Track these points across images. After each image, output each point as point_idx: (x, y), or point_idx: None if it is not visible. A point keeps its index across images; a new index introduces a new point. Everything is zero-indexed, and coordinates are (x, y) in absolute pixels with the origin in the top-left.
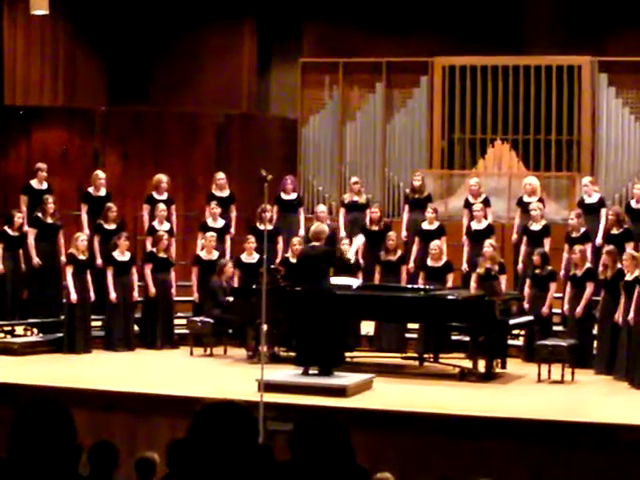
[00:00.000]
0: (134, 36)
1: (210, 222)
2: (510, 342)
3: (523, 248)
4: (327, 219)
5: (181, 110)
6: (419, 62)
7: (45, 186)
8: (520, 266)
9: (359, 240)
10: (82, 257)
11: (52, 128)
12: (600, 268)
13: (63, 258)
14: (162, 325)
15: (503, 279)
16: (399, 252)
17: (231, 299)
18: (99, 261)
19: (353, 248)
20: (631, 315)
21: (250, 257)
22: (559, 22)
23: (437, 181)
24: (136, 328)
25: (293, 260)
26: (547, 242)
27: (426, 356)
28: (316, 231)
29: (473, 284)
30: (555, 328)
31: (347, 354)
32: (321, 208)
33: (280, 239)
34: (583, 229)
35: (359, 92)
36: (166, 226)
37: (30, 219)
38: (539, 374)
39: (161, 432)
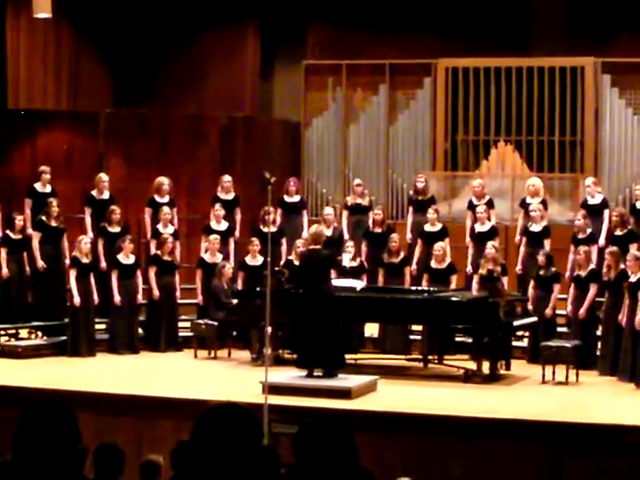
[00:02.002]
0: (138, 39)
1: (213, 225)
2: (514, 343)
3: (522, 249)
4: (334, 221)
5: (185, 113)
6: (422, 64)
7: (49, 189)
8: (519, 267)
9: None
10: (85, 260)
11: (56, 131)
12: (604, 269)
13: (67, 261)
14: (166, 328)
15: (505, 280)
16: (402, 254)
17: (235, 301)
18: (103, 264)
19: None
20: (638, 318)
21: (254, 259)
22: (562, 23)
23: (440, 183)
24: (140, 331)
25: (296, 262)
26: (547, 243)
27: (430, 358)
28: (314, 234)
29: (475, 285)
30: (559, 329)
31: (352, 356)
32: (328, 210)
33: (284, 241)
34: (589, 230)
35: (362, 94)
36: (170, 229)
37: (34, 222)
38: (543, 375)
39: (166, 435)
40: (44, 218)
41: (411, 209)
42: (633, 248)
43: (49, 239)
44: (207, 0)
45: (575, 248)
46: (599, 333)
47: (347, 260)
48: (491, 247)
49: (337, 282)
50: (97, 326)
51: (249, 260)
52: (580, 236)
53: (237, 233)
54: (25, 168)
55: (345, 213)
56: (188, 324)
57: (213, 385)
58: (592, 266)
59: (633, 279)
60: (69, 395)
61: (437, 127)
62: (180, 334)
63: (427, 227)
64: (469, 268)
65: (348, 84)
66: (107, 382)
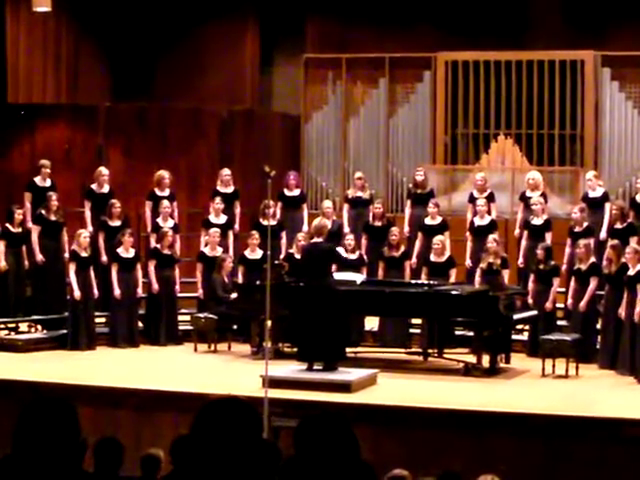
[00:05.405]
0: (137, 32)
1: (212, 218)
2: (514, 337)
3: (524, 243)
4: (333, 215)
5: (184, 106)
6: (422, 57)
7: (49, 183)
8: (521, 261)
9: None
10: (84, 254)
11: (55, 125)
12: (604, 262)
13: (67, 255)
14: (166, 321)
15: (506, 274)
16: (402, 248)
17: (235, 295)
18: (104, 258)
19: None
20: (637, 310)
21: (254, 253)
22: (562, 17)
23: (440, 176)
24: (140, 325)
25: (297, 256)
26: (548, 237)
27: (430, 351)
28: (318, 227)
29: (478, 279)
30: (559, 323)
31: (352, 349)
32: (327, 204)
33: (283, 235)
34: (586, 223)
35: (362, 88)
36: (170, 223)
37: (34, 216)
38: (543, 369)
39: (165, 428)
40: (43, 212)
41: (409, 202)
42: (633, 241)
43: (49, 233)
44: None
45: (572, 241)
46: (599, 326)
47: (342, 253)
48: (492, 241)
49: (337, 275)
50: (97, 320)
51: (249, 254)
52: (577, 229)
53: (237, 226)
54: (25, 162)
55: (345, 206)
56: (188, 318)
57: (213, 379)
58: (592, 259)
59: (632, 272)
60: (69, 389)
61: (437, 121)
62: (180, 328)
63: (427, 220)
64: (468, 262)
65: (348, 78)
66: (107, 376)
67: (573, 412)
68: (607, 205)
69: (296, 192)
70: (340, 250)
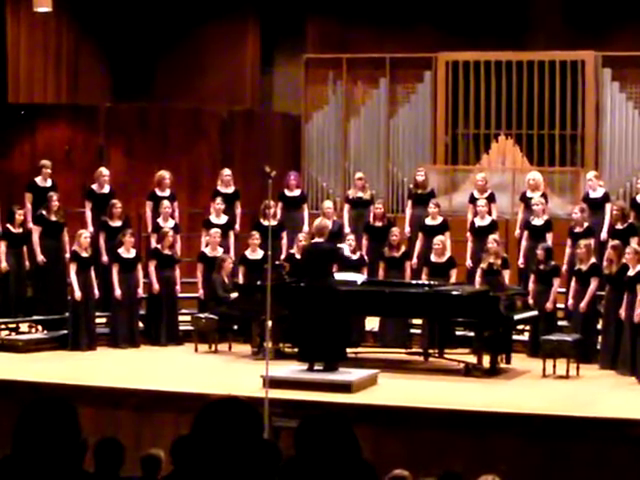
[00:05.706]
0: (138, 32)
1: (213, 218)
2: (515, 337)
3: (524, 243)
4: (334, 215)
5: (185, 106)
6: (423, 57)
7: (49, 183)
8: (521, 261)
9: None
10: (85, 254)
11: (56, 125)
12: (605, 263)
13: (67, 255)
14: (166, 322)
15: (506, 274)
16: (403, 248)
17: (235, 295)
18: (105, 258)
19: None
20: (637, 311)
21: (254, 253)
22: (562, 17)
23: (441, 176)
24: (141, 325)
25: (298, 256)
26: (549, 237)
27: (431, 351)
28: (319, 227)
29: (478, 279)
30: (560, 323)
31: (352, 350)
32: (327, 204)
33: (284, 235)
34: (586, 224)
35: (363, 88)
36: (171, 223)
37: (35, 216)
38: (544, 369)
39: (166, 428)
40: (44, 212)
41: (410, 202)
42: (633, 242)
43: (49, 233)
44: None
45: (572, 242)
46: (600, 327)
47: (346, 250)
48: (493, 241)
49: (338, 276)
50: (98, 320)
51: (249, 254)
52: (577, 230)
53: (237, 227)
54: (25, 162)
55: (346, 207)
56: (189, 318)
57: (213, 379)
58: (593, 260)
59: (632, 273)
60: (70, 389)
61: (437, 121)
62: (181, 328)
63: (428, 221)
64: (469, 262)
65: (348, 78)
66: (107, 376)
67: (574, 412)
68: (608, 205)
69: (297, 192)
70: (344, 247)
